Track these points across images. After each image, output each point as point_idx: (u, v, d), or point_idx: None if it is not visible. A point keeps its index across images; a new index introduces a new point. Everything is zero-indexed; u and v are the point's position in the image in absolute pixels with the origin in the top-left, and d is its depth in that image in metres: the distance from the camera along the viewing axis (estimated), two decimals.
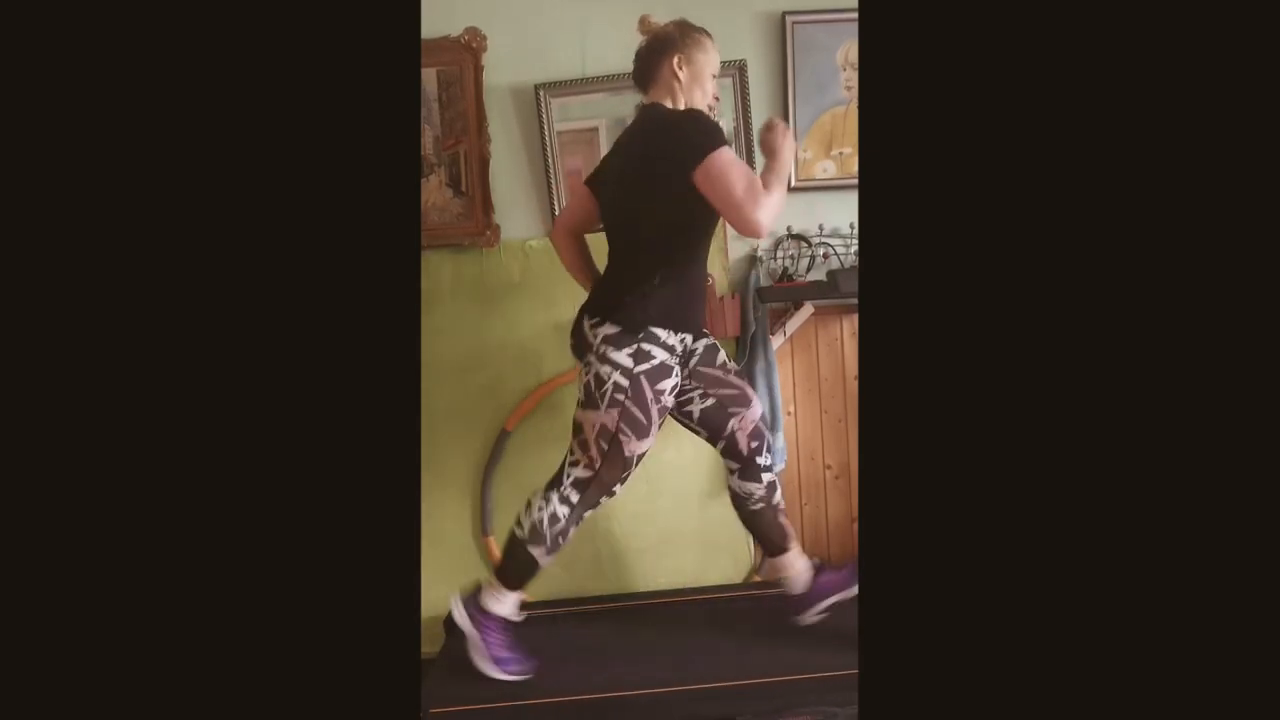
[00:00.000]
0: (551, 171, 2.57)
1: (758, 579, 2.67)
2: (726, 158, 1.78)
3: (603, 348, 1.91)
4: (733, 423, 2.07)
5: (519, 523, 2.01)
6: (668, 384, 1.94)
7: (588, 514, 2.02)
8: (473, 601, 2.04)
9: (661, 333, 1.91)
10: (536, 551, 1.98)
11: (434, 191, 2.57)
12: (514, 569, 2.03)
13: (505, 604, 2.04)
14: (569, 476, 1.99)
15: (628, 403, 1.90)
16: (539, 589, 2.62)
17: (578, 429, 1.98)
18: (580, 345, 2.00)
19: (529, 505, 2.00)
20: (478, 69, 2.53)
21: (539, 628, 2.30)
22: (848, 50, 2.57)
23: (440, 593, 2.58)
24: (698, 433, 2.14)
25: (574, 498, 1.98)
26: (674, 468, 2.63)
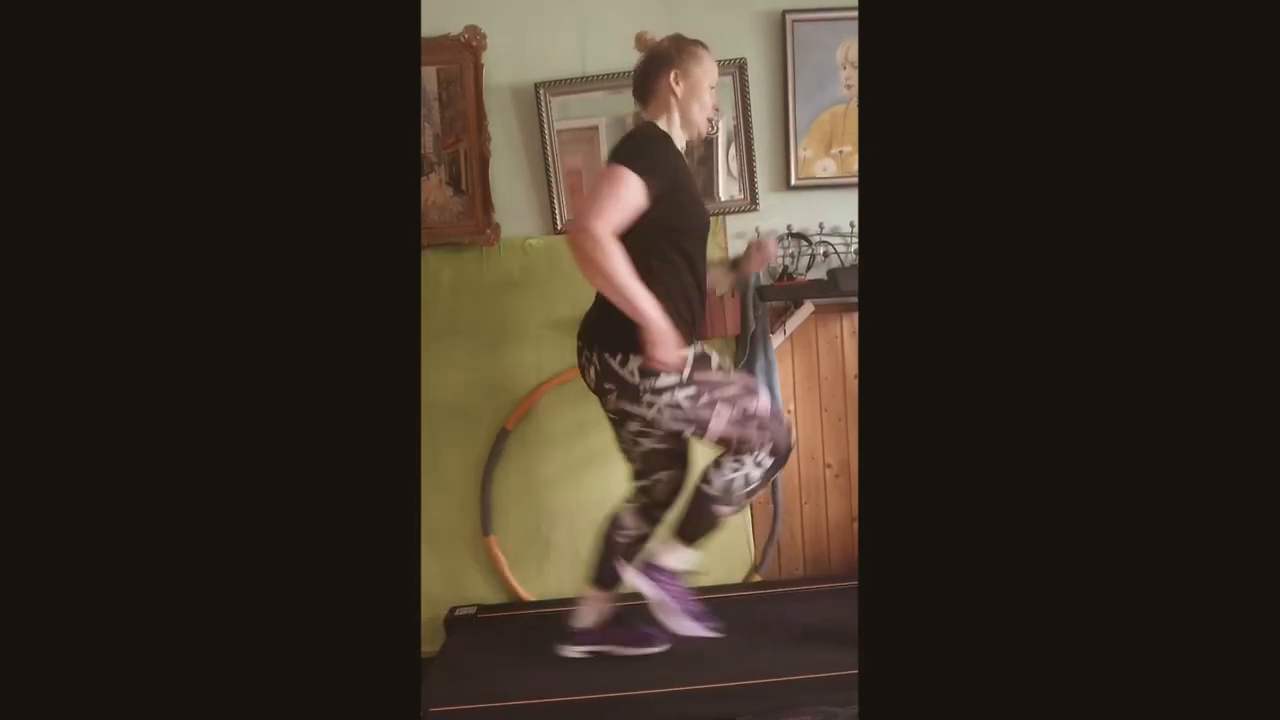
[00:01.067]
0: (551, 170, 2.57)
1: (757, 579, 2.67)
2: (618, 173, 1.79)
3: (646, 383, 1.90)
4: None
5: (707, 480, 2.02)
6: (715, 359, 1.98)
7: (774, 476, 2.07)
8: (649, 566, 2.07)
9: None
10: (724, 510, 2.02)
11: (434, 190, 2.57)
12: (698, 525, 2.05)
13: (684, 561, 2.08)
14: (757, 455, 1.99)
15: (715, 395, 1.92)
16: (539, 587, 2.63)
17: (726, 445, 1.98)
18: (622, 390, 1.94)
19: (719, 465, 2.01)
20: (477, 67, 2.53)
21: (541, 626, 2.30)
22: (848, 48, 2.57)
23: (440, 592, 2.59)
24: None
25: (768, 462, 2.00)
26: None
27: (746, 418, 1.95)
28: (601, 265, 1.75)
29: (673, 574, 2.07)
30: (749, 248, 2.24)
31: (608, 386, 1.95)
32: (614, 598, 2.18)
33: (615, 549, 2.14)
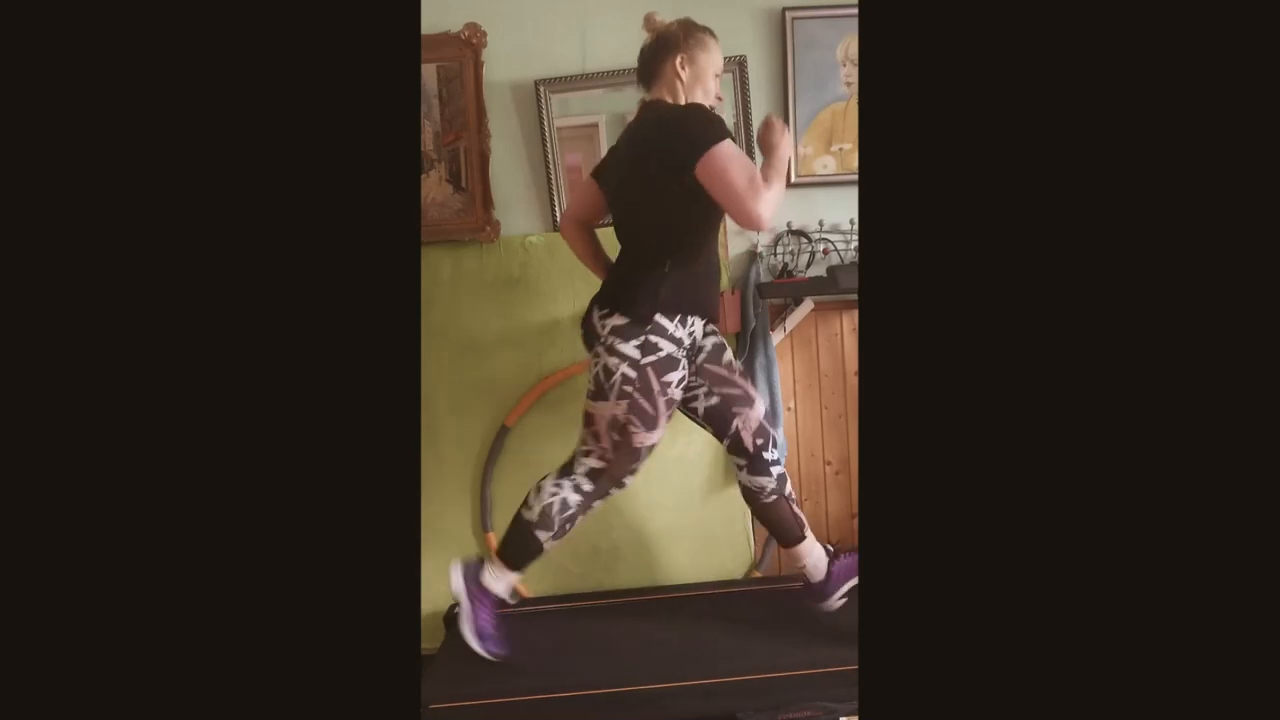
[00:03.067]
0: (551, 167, 2.57)
1: (758, 574, 2.67)
2: (728, 151, 1.78)
3: (610, 339, 1.92)
4: (736, 421, 2.07)
5: (527, 504, 2.04)
6: (674, 376, 1.95)
7: (596, 504, 2.05)
8: (472, 573, 2.07)
9: (669, 324, 1.92)
10: (542, 535, 2.01)
11: (434, 187, 2.57)
12: (517, 550, 2.06)
13: (501, 583, 2.07)
14: (581, 466, 2.02)
15: (636, 395, 1.92)
16: (540, 584, 2.63)
17: (589, 420, 2.00)
18: (590, 336, 2.01)
19: (539, 489, 2.03)
20: (478, 64, 2.53)
21: (540, 622, 2.30)
22: (847, 46, 2.57)
23: (441, 588, 2.58)
24: (705, 427, 2.14)
25: (586, 487, 2.02)
26: (674, 463, 2.63)
27: (622, 431, 1.95)
28: (781, 194, 1.80)
29: (486, 592, 2.06)
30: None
31: (583, 332, 2.02)
32: (816, 543, 2.16)
33: (783, 506, 2.13)
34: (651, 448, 2.00)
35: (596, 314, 1.98)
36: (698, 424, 2.15)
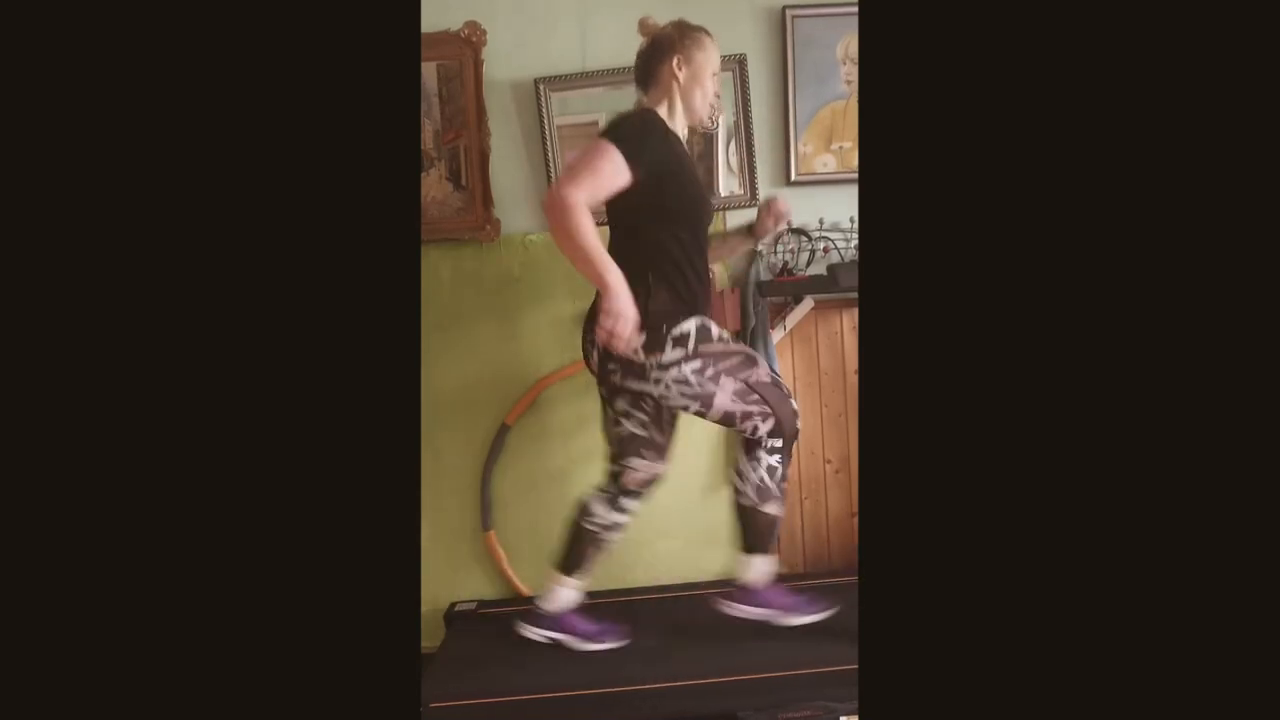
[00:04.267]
0: (551, 166, 2.57)
1: None
2: (602, 148, 1.82)
3: (652, 359, 1.91)
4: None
5: (740, 491, 2.08)
6: (715, 329, 1.97)
7: (793, 447, 2.09)
8: (745, 592, 2.14)
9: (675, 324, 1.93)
10: (773, 507, 2.08)
11: (434, 186, 2.57)
12: (759, 535, 2.12)
13: (765, 567, 2.15)
14: (761, 437, 2.02)
15: (719, 368, 1.93)
16: (540, 583, 2.63)
17: (727, 419, 2.00)
18: (627, 369, 1.95)
19: (740, 474, 2.07)
20: (477, 63, 2.53)
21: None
22: (847, 44, 2.57)
23: (441, 587, 2.59)
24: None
25: (777, 443, 2.03)
26: (674, 461, 2.63)
27: (748, 389, 1.96)
28: (570, 231, 1.75)
29: (762, 586, 2.14)
30: (760, 208, 2.20)
31: (610, 367, 1.97)
32: (580, 586, 2.19)
33: (583, 536, 2.14)
34: (775, 377, 2.02)
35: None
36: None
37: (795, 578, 2.63)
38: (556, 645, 2.14)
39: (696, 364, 1.91)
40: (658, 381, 1.93)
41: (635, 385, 1.96)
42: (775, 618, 2.11)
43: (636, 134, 1.86)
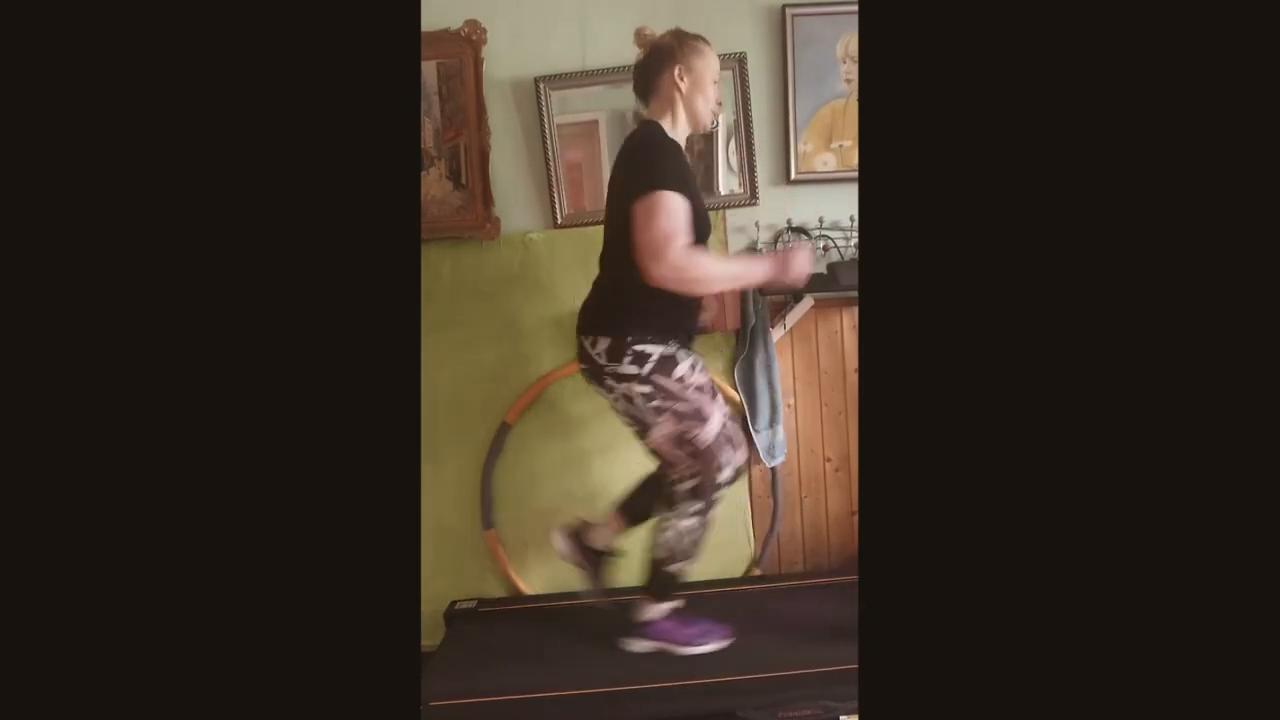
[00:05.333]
0: (551, 164, 2.57)
1: (757, 573, 2.67)
2: (659, 201, 1.80)
3: (609, 365, 1.92)
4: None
5: (655, 547, 2.04)
6: (683, 368, 1.94)
7: (714, 511, 2.03)
8: (643, 629, 2.11)
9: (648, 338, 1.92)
10: (684, 566, 2.05)
11: (434, 184, 2.57)
12: (665, 586, 2.09)
13: (658, 611, 2.10)
14: (681, 492, 1.99)
15: (666, 404, 1.92)
16: (540, 582, 2.63)
17: (656, 453, 2.01)
18: (592, 370, 1.98)
19: (660, 530, 2.03)
20: (477, 62, 2.53)
21: (541, 620, 2.30)
22: (847, 43, 2.57)
23: (441, 586, 2.59)
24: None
25: (695, 508, 1.99)
26: None
27: (682, 441, 1.94)
28: (702, 278, 1.82)
29: (660, 621, 2.10)
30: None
31: (582, 367, 2.00)
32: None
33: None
34: (727, 435, 1.97)
35: (585, 342, 1.97)
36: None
37: (796, 576, 2.64)
38: (554, 645, 2.14)
39: (647, 389, 1.91)
40: (610, 390, 1.95)
41: (596, 388, 1.99)
42: (672, 649, 2.07)
43: (664, 165, 1.86)
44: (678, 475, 1.98)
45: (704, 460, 1.94)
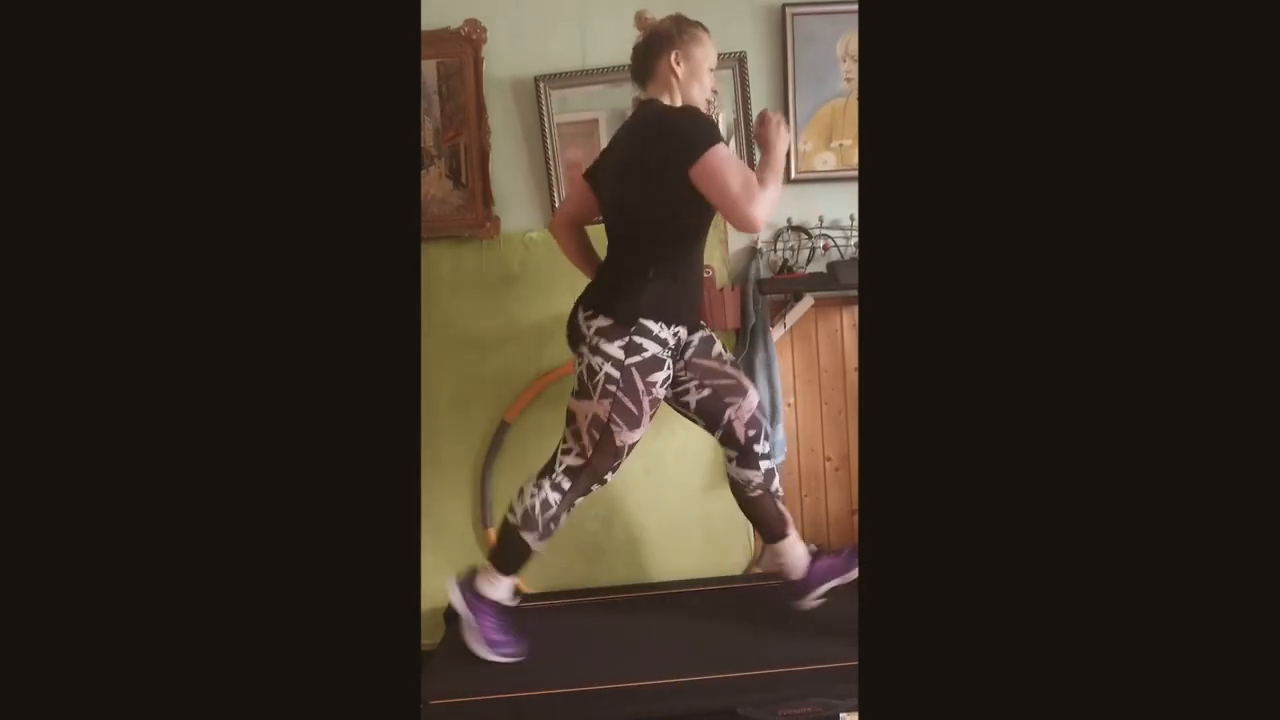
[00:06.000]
0: (551, 163, 2.57)
1: (758, 570, 2.67)
2: (722, 155, 1.80)
3: (595, 339, 1.93)
4: (729, 412, 2.09)
5: (512, 509, 2.05)
6: (659, 376, 1.96)
7: (579, 501, 2.06)
8: (469, 585, 2.08)
9: (653, 325, 1.93)
10: (529, 537, 2.02)
11: (434, 183, 2.57)
12: (507, 554, 2.07)
13: (499, 589, 2.08)
14: (561, 464, 2.02)
15: (619, 394, 1.92)
16: (540, 580, 2.63)
17: (571, 418, 2.01)
18: (575, 336, 2.02)
19: (522, 492, 2.04)
20: (477, 61, 2.53)
21: (539, 618, 2.30)
22: (847, 42, 2.56)
23: (441, 584, 2.58)
24: (696, 422, 2.16)
25: (565, 485, 2.02)
26: (674, 459, 2.63)
27: (601, 428, 1.95)
28: (771, 208, 1.84)
29: (485, 600, 2.07)
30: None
31: (568, 331, 2.03)
32: (799, 541, 2.19)
33: (768, 501, 2.15)
34: (633, 445, 2.01)
35: (581, 314, 1.99)
36: (690, 419, 2.16)
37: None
38: (554, 643, 2.14)
39: (616, 373, 1.92)
40: (580, 355, 1.97)
41: (571, 350, 2.03)
42: (466, 627, 2.07)
43: (695, 124, 1.87)
44: (568, 448, 2.01)
45: (601, 455, 1.98)
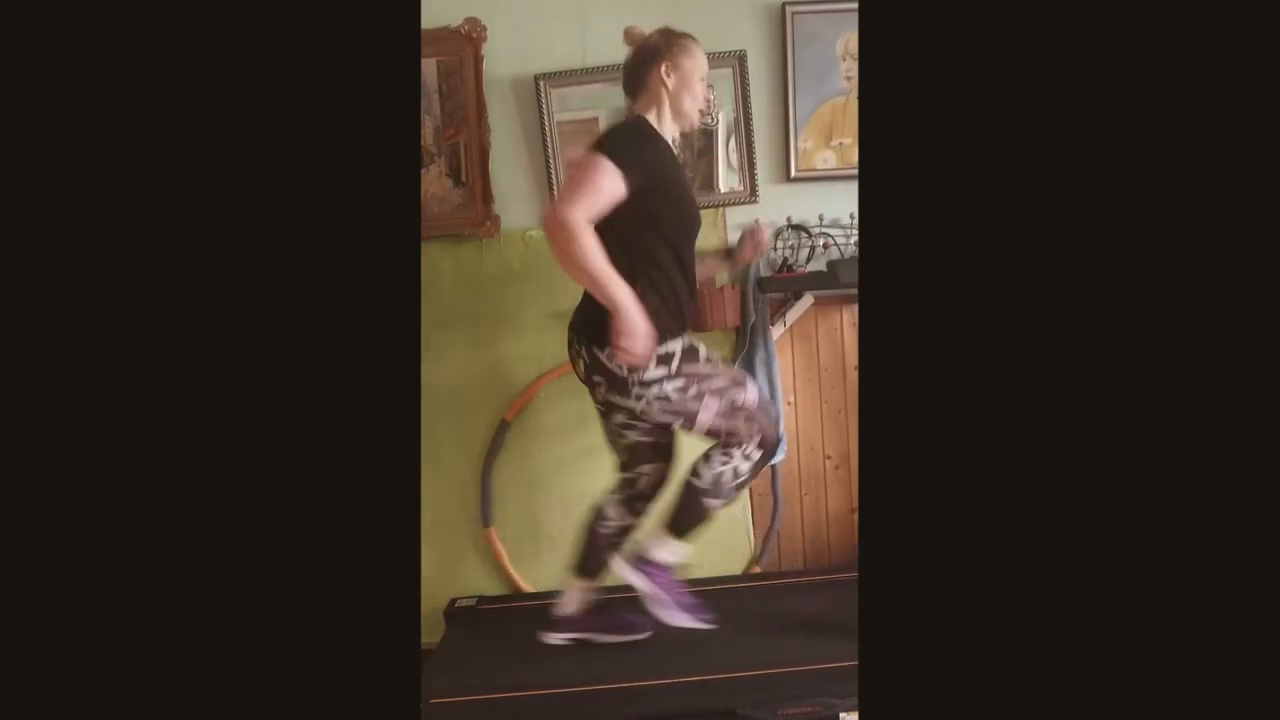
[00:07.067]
0: (551, 162, 2.57)
1: (757, 570, 2.68)
2: (595, 161, 1.79)
3: (633, 375, 1.89)
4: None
5: (696, 474, 2.03)
6: (704, 351, 1.97)
7: (760, 470, 2.07)
8: (640, 560, 2.09)
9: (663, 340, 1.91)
10: (714, 503, 2.03)
11: (434, 182, 2.57)
12: (688, 519, 2.06)
13: (674, 553, 2.09)
14: (745, 453, 2.01)
15: (703, 387, 1.93)
16: (540, 579, 2.64)
17: (714, 435, 1.99)
18: (611, 383, 1.94)
19: (708, 458, 2.02)
20: (478, 59, 2.53)
21: (541, 617, 2.30)
22: (847, 41, 2.57)
23: (441, 583, 2.59)
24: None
25: (756, 455, 2.01)
26: (678, 460, 2.63)
27: (734, 410, 1.95)
28: (575, 253, 1.73)
29: (663, 567, 2.08)
30: (742, 236, 2.23)
31: (596, 379, 1.96)
32: (597, 587, 2.19)
33: (598, 540, 2.14)
34: (758, 399, 2.00)
35: (601, 355, 1.90)
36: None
37: (795, 574, 2.64)
38: (556, 641, 2.15)
39: (679, 382, 1.91)
40: (639, 398, 1.92)
41: (618, 400, 1.95)
42: (651, 599, 2.08)
43: (629, 144, 1.85)
44: (739, 440, 1.99)
45: (760, 418, 1.99)
